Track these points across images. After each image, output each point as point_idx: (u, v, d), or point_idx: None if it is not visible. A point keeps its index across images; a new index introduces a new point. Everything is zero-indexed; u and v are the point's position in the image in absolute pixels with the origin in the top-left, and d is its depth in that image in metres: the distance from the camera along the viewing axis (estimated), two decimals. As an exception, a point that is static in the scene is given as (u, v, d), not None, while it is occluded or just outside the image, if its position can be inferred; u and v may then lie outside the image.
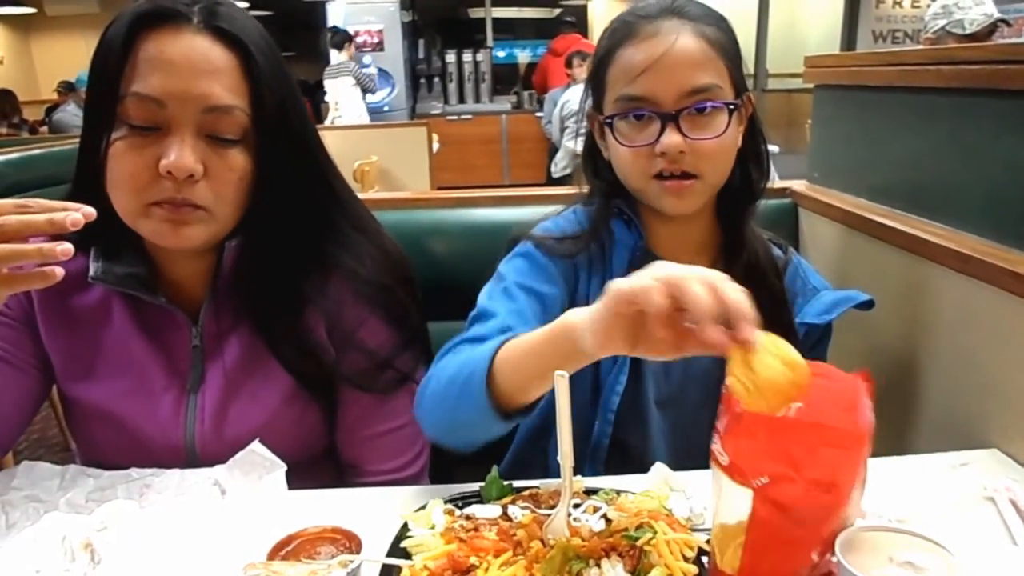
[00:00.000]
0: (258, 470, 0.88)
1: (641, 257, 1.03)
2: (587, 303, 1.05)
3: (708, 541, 0.67)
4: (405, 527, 0.73)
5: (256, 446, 0.89)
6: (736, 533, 0.63)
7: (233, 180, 0.83)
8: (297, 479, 0.90)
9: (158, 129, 0.78)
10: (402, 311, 1.03)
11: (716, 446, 0.63)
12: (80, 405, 0.97)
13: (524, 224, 1.13)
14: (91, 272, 0.91)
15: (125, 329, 0.97)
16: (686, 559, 0.66)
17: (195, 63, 0.78)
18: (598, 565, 0.64)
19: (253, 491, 0.86)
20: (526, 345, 0.71)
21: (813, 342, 1.05)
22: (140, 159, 0.78)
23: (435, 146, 4.41)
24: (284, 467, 0.87)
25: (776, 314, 1.03)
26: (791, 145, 4.93)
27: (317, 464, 1.04)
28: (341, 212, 1.01)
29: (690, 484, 0.81)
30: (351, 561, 0.68)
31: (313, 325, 0.98)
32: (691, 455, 0.85)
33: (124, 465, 0.94)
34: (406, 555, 0.69)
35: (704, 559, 0.68)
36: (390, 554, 0.69)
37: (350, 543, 0.75)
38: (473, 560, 0.64)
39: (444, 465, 1.09)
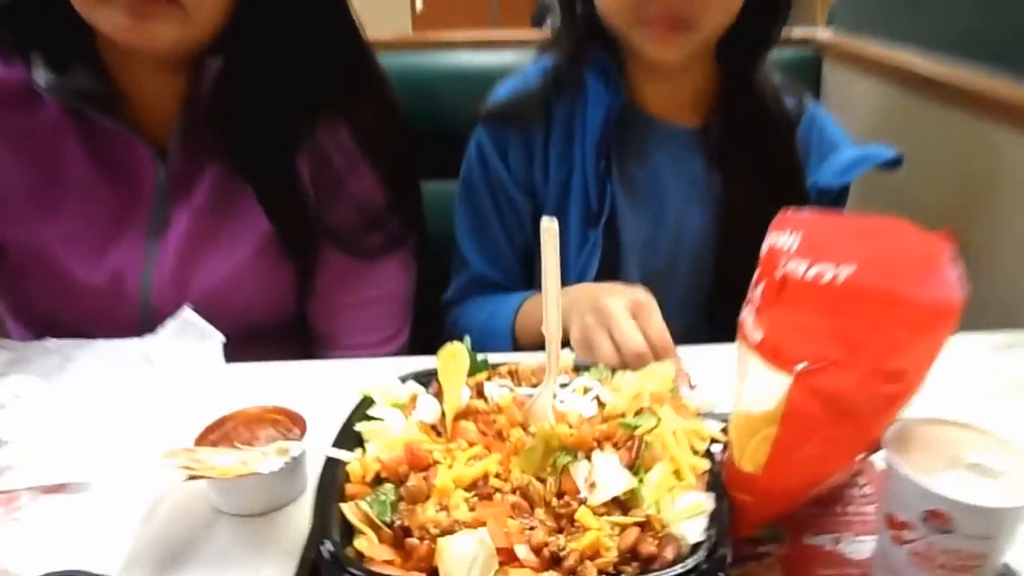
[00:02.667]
0: (191, 339, 0.75)
1: (621, 115, 0.88)
2: (545, 173, 0.92)
3: (724, 431, 0.56)
4: (364, 404, 0.60)
5: (188, 313, 0.76)
6: (761, 424, 0.51)
7: None
8: (256, 352, 0.78)
9: None
10: (397, 166, 0.89)
11: (748, 318, 0.50)
12: (20, 248, 0.83)
13: (510, 70, 0.98)
14: (39, 82, 0.75)
15: (78, 159, 0.80)
16: (695, 452, 0.54)
17: None
18: (588, 458, 0.52)
19: (184, 364, 0.74)
20: (533, 319, 0.83)
21: (826, 206, 0.90)
22: None
23: (419, 5, 4.06)
24: (221, 337, 0.74)
25: (784, 176, 0.90)
26: None
27: (282, 338, 0.92)
28: (346, 41, 0.84)
29: (699, 360, 0.69)
30: (289, 449, 0.56)
31: (299, 167, 0.83)
32: (687, 335, 0.74)
33: (64, 323, 0.82)
34: (359, 440, 0.57)
35: (717, 449, 0.56)
36: (341, 438, 0.57)
37: (294, 426, 0.63)
38: (437, 454, 0.52)
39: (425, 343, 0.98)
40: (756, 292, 0.50)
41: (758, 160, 0.90)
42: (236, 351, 0.74)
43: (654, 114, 0.92)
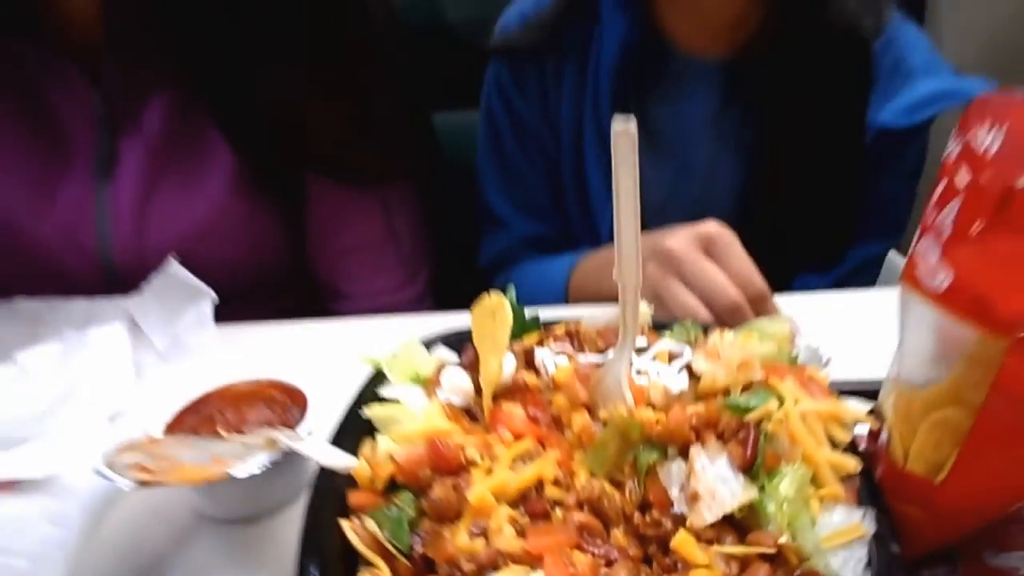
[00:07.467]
0: (177, 298, 0.62)
1: (637, 47, 0.72)
2: (558, 115, 0.79)
3: (872, 413, 0.40)
4: (374, 380, 0.46)
5: (175, 268, 0.62)
6: (934, 404, 0.35)
7: None
8: (249, 314, 0.65)
9: None
10: (394, 67, 0.74)
11: (927, 254, 0.34)
12: None
13: None
14: None
15: None
16: (833, 445, 0.38)
17: None
18: (683, 456, 0.37)
19: (169, 327, 0.61)
20: (593, 276, 0.72)
21: (883, 154, 0.72)
22: None
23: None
24: (211, 295, 0.61)
25: (842, 120, 0.72)
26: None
27: (278, 292, 0.78)
28: None
29: (806, 312, 0.52)
30: (277, 442, 0.43)
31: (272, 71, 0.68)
32: None
33: (21, 291, 0.70)
34: (369, 428, 0.43)
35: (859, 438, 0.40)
36: (343, 429, 0.43)
37: (293, 404, 0.50)
38: (472, 450, 0.38)
39: (456, 290, 0.84)
40: (940, 216, 0.34)
41: (808, 101, 0.71)
42: (224, 313, 0.60)
43: (681, 46, 0.75)
